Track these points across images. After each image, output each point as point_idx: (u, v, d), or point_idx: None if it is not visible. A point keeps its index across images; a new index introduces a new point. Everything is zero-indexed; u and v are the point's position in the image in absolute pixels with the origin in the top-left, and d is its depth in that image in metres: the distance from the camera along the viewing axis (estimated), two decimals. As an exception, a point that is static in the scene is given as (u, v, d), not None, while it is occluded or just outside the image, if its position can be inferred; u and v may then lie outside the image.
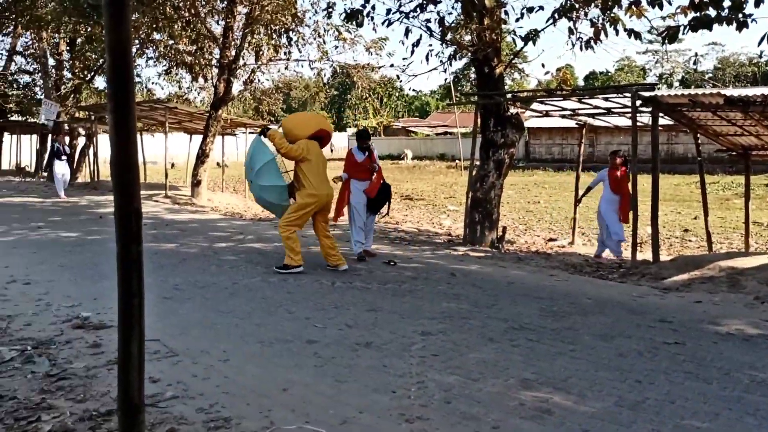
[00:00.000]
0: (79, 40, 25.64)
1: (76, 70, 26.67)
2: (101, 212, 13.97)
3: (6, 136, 34.52)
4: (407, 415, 3.49)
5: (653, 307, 6.29)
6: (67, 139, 20.82)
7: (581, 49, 9.07)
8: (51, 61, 26.46)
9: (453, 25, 10.16)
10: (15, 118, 32.00)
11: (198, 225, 12.36)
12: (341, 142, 60.96)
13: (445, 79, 65.37)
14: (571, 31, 9.21)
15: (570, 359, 4.51)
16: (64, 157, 18.27)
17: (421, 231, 12.81)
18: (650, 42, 45.03)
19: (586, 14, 9.08)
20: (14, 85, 30.22)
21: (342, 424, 3.39)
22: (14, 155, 32.35)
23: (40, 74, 27.41)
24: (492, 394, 3.83)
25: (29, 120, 30.62)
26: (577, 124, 12.90)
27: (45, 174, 23.31)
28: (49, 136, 26.41)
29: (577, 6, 8.92)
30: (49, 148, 18.80)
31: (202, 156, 18.05)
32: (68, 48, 26.74)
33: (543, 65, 23.50)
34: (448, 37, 10.17)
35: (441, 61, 10.55)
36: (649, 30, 9.16)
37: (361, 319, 5.52)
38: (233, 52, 17.54)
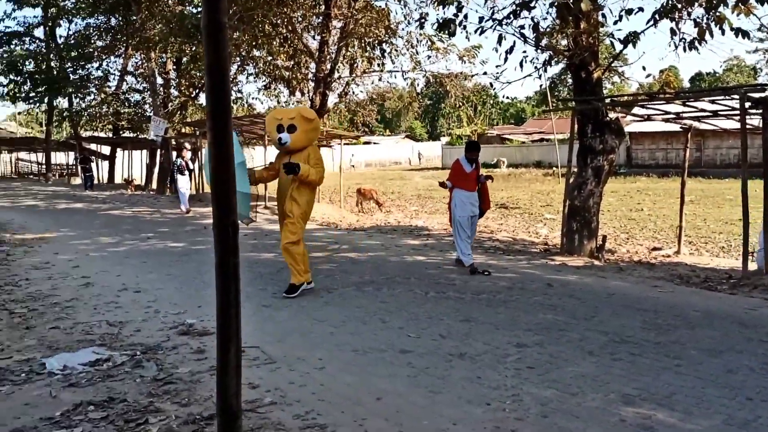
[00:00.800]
0: (184, 59, 26.98)
1: (182, 88, 28.07)
2: (206, 223, 14.57)
3: (118, 151, 36.80)
4: (502, 428, 3.43)
5: (766, 320, 5.91)
6: (189, 154, 21.64)
7: (684, 50, 8.69)
8: (159, 80, 27.95)
9: (548, 30, 9.97)
10: (127, 134, 34.03)
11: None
12: (434, 150, 61.01)
13: (540, 85, 64.26)
14: (673, 32, 8.82)
15: (675, 374, 4.30)
16: (186, 172, 18.72)
17: (516, 240, 12.60)
18: (761, 41, 42.44)
19: (689, 14, 8.68)
20: (126, 104, 32.12)
21: (436, 435, 3.37)
22: (126, 170, 34.33)
23: (149, 92, 28.99)
24: (591, 410, 3.70)
25: (140, 136, 32.42)
26: (681, 128, 12.33)
27: (169, 187, 24.66)
28: (158, 151, 27.94)
29: (679, 6, 8.54)
30: (172, 164, 19.49)
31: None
32: (175, 67, 28.17)
33: (644, 68, 22.63)
34: (543, 42, 9.98)
35: (535, 67, 10.37)
36: (758, 28, 8.67)
37: (454, 329, 5.48)
38: (328, 66, 17.94)
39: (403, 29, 17.62)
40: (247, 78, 25.28)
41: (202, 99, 28.91)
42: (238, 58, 22.68)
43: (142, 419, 3.63)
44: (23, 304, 6.61)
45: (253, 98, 34.95)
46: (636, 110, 13.37)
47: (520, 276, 8.21)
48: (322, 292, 7.06)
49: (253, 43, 19.10)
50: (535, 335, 5.29)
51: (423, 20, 11.08)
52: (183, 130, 27.51)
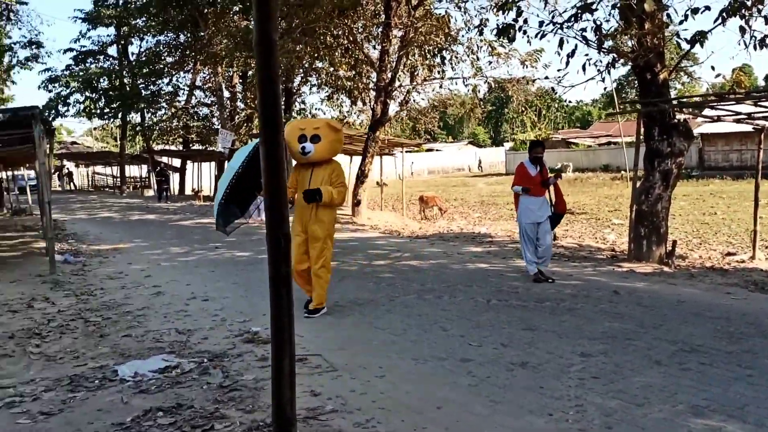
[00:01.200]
0: (250, 72, 27.66)
1: (248, 101, 28.75)
2: (270, 232, 14.85)
3: (188, 163, 37.97)
4: (564, 439, 3.37)
5: None
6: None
7: (755, 48, 8.33)
8: (226, 94, 28.72)
9: (610, 32, 9.74)
10: (196, 147, 35.09)
11: (358, 243, 12.78)
12: (498, 156, 60.37)
13: (605, 88, 62.77)
14: (743, 30, 8.48)
15: (747, 385, 4.13)
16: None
17: (582, 246, 12.33)
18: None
19: (759, 11, 8.33)
20: (195, 117, 33.14)
21: (496, 445, 3.34)
22: (195, 181, 35.38)
23: (216, 106, 29.83)
24: (658, 421, 3.59)
25: (208, 148, 33.36)
26: (753, 128, 11.82)
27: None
28: (226, 162, 28.65)
29: (748, 3, 8.21)
30: None
31: (361, 176, 18.69)
32: (241, 80, 28.90)
33: (713, 68, 21.73)
34: (606, 45, 9.76)
35: (598, 70, 10.11)
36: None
37: (516, 338, 5.41)
38: (389, 75, 18.04)
39: (463, 36, 17.58)
40: (310, 89, 25.73)
41: (267, 111, 29.57)
42: (301, 70, 23.12)
43: (208, 425, 3.73)
44: (98, 313, 6.89)
45: (316, 109, 35.49)
46: (706, 111, 12.90)
47: (585, 283, 8.04)
48: (384, 300, 7.09)
49: (315, 55, 19.42)
50: (600, 344, 5.17)
51: (483, 26, 11.01)
52: (249, 142, 28.16)
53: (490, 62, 18.36)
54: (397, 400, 4.03)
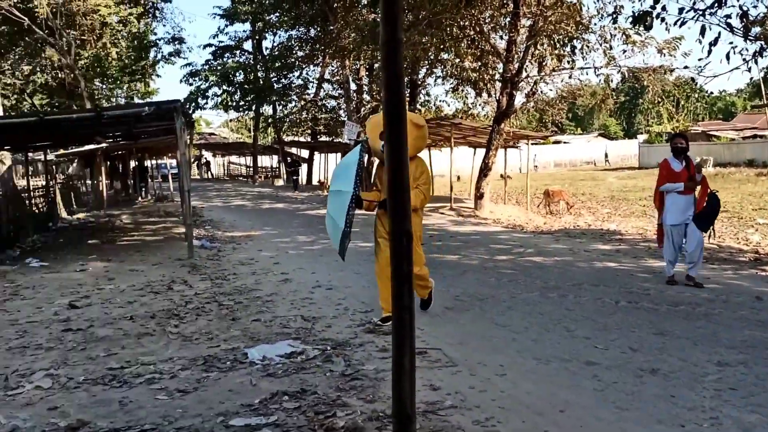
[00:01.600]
0: (376, 65, 28.06)
1: (374, 93, 29.21)
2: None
3: (316, 154, 39.19)
4: (697, 454, 3.17)
5: None
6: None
7: None
8: (353, 86, 29.31)
9: (758, 19, 9.00)
10: (323, 138, 36.13)
11: (480, 237, 12.65)
12: (630, 149, 57.72)
13: (751, 78, 58.23)
14: None
15: None
16: None
17: (722, 247, 11.54)
18: None
19: None
20: (323, 109, 34.11)
21: (621, 454, 3.20)
22: (322, 172, 36.46)
23: (343, 98, 30.52)
24: (805, 442, 3.30)
25: (334, 140, 34.27)
26: None
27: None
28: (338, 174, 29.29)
29: None
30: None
31: (485, 169, 18.48)
32: (367, 73, 29.40)
33: None
34: (753, 32, 9.03)
35: (744, 59, 9.37)
36: None
37: (646, 342, 5.15)
38: (516, 66, 17.68)
39: (595, 24, 16.88)
40: (435, 81, 25.72)
41: (393, 103, 29.88)
42: (426, 62, 23.15)
43: (331, 412, 3.83)
44: (230, 297, 7.27)
45: (440, 101, 35.49)
46: None
47: (724, 287, 7.50)
48: (505, 297, 6.98)
49: (441, 47, 19.35)
50: (738, 353, 4.81)
51: (617, 14, 10.53)
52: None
53: (624, 51, 17.52)
54: (518, 400, 3.96)
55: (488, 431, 3.52)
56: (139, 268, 9.57)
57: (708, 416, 3.64)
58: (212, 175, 51.60)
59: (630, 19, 9.37)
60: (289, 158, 35.98)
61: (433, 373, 4.49)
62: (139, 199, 27.21)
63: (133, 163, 29.78)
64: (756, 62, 9.55)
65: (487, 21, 18.45)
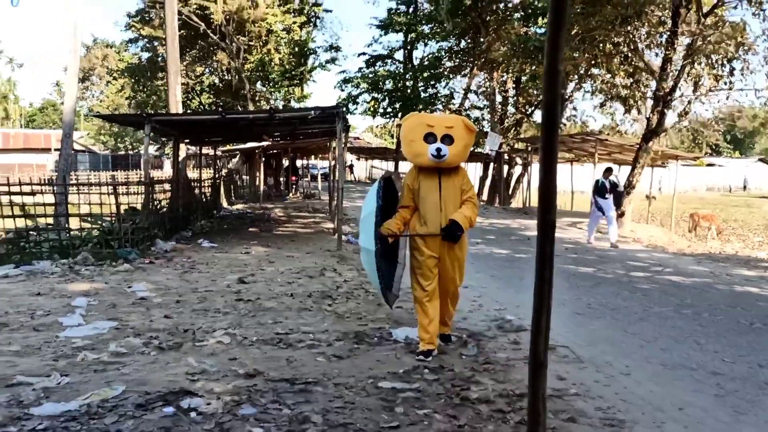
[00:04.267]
0: (524, 78, 28.21)
1: (519, 106, 29.34)
2: (529, 235, 15.27)
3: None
4: (807, 456, 3.40)
5: None
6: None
7: None
8: (498, 98, 29.60)
9: None
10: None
11: (616, 254, 12.66)
12: (794, 178, 53.50)
13: None
14: None
15: None
16: (608, 196, 14.32)
17: None
18: None
19: None
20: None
21: (734, 449, 3.49)
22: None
23: (488, 109, 30.86)
24: None
25: (476, 150, 34.65)
26: None
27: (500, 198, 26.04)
28: (491, 164, 29.61)
29: None
30: (596, 184, 14.44)
31: (628, 187, 18.20)
32: (514, 85, 29.58)
33: None
34: None
35: None
36: None
37: (777, 361, 5.25)
38: (670, 84, 17.30)
39: (758, 45, 16.19)
40: (583, 96, 25.49)
41: (537, 116, 29.84)
42: (575, 77, 23.07)
43: (466, 386, 4.37)
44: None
45: (587, 116, 34.89)
46: None
47: None
48: (637, 309, 7.18)
49: (593, 62, 19.30)
50: None
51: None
52: (515, 146, 28.74)
53: (790, 72, 16.65)
54: (639, 396, 4.29)
55: (608, 417, 3.91)
56: (294, 255, 10.59)
57: (828, 430, 3.81)
58: (356, 177, 53.57)
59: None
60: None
61: (561, 366, 4.90)
62: (290, 195, 29.08)
63: (286, 162, 31.81)
64: None
65: (642, 38, 18.18)
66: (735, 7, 16.72)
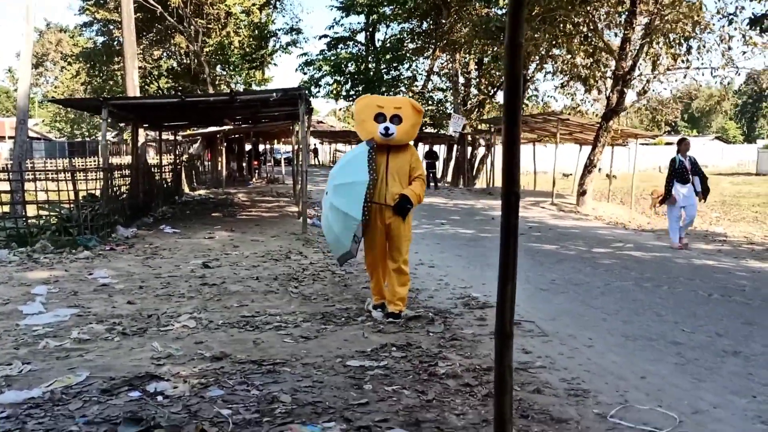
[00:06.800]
0: (486, 59, 28.30)
1: (482, 87, 29.46)
2: (493, 215, 15.42)
3: (419, 145, 39.72)
4: (764, 418, 3.52)
5: None
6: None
7: None
8: (461, 79, 29.68)
9: None
10: (428, 130, 36.67)
11: (579, 231, 12.87)
12: (747, 154, 54.85)
13: None
14: None
15: None
16: (691, 178, 10.60)
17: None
18: None
19: None
20: (429, 101, 34.65)
21: (694, 413, 3.59)
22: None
23: (450, 91, 30.94)
24: None
25: (439, 132, 34.75)
26: None
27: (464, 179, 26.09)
28: (454, 146, 29.73)
29: None
30: (669, 164, 10.81)
31: (589, 166, 18.48)
32: (476, 67, 29.68)
33: None
34: None
35: None
36: None
37: (733, 329, 5.41)
38: (629, 63, 17.54)
39: (714, 24, 16.47)
40: (544, 76, 25.71)
41: (500, 97, 30.02)
42: (536, 57, 23.22)
43: (433, 362, 4.41)
44: (342, 268, 7.98)
45: (548, 96, 35.21)
46: None
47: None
48: (599, 283, 7.32)
49: (553, 42, 19.44)
50: (827, 347, 5.00)
51: (734, 15, 10.43)
52: (479, 127, 28.89)
53: (744, 53, 17.01)
54: (603, 367, 4.39)
55: (573, 387, 3.99)
56: (259, 239, 10.53)
57: (784, 392, 3.94)
58: (319, 161, 53.28)
59: (746, 22, 9.34)
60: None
61: (526, 340, 4.98)
62: (253, 180, 28.82)
63: (248, 146, 31.47)
64: None
65: (602, 18, 18.37)
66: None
